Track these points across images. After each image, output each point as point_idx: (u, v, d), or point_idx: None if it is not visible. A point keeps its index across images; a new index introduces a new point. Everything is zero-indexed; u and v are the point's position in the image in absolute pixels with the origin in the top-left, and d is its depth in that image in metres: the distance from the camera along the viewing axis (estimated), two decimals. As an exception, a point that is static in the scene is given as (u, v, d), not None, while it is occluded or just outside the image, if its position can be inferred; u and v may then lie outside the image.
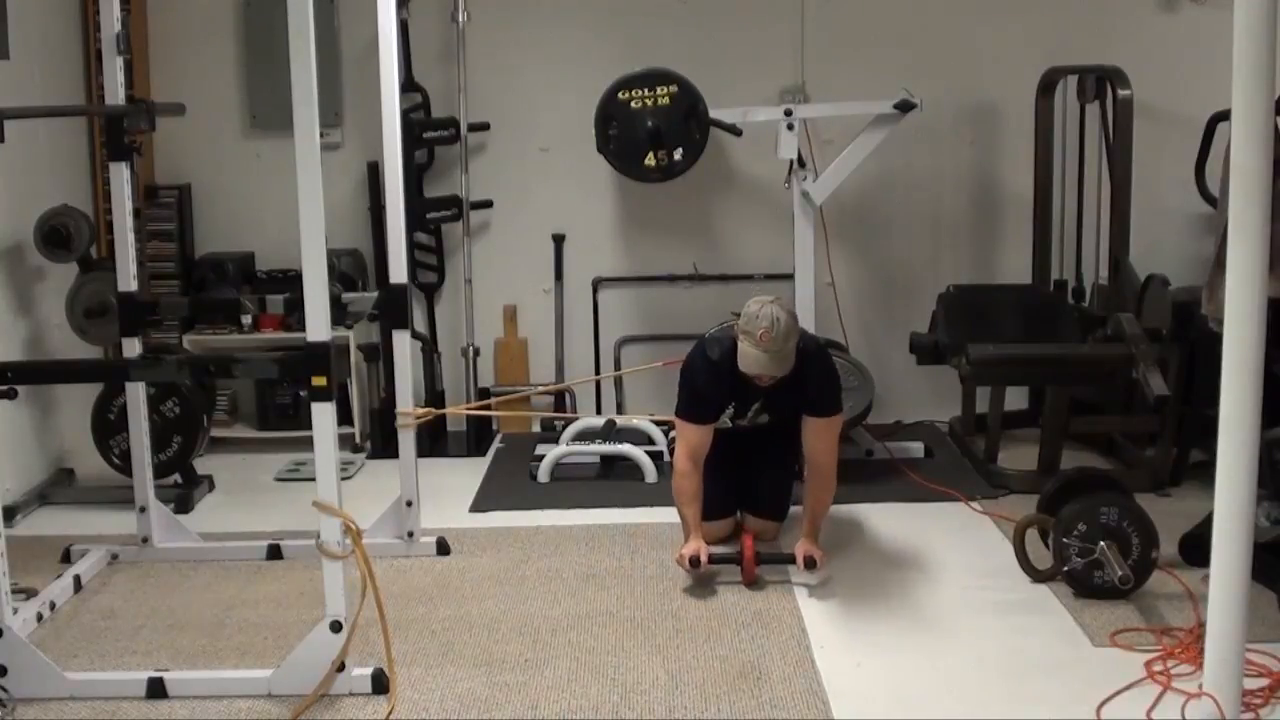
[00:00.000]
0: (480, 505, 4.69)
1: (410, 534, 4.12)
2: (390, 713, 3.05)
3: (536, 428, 5.66)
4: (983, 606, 3.66)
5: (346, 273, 5.42)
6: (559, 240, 5.66)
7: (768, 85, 5.45)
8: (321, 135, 2.98)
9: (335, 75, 5.46)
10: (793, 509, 4.25)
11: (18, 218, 4.65)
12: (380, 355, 5.46)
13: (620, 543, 4.22)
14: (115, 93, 3.88)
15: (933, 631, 3.51)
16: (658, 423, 5.23)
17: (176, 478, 4.74)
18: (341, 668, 3.11)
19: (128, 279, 3.96)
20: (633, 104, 4.72)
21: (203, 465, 4.99)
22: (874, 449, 5.08)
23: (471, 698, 3.12)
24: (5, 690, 3.07)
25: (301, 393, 5.19)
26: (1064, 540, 3.64)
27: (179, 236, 5.47)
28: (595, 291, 5.70)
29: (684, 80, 4.74)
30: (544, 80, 5.56)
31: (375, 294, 4.67)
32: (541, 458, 4.99)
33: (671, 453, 4.50)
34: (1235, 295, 2.48)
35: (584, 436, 5.17)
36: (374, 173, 5.42)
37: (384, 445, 5.26)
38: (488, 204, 5.60)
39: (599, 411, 5.65)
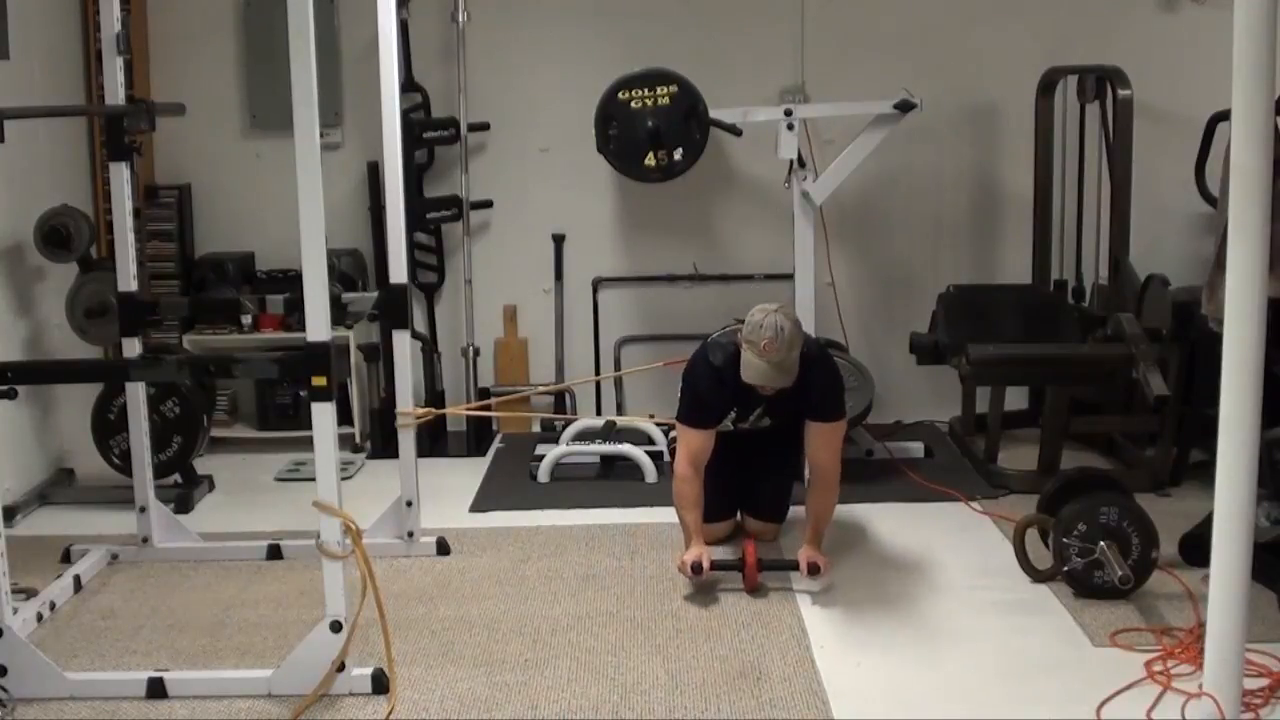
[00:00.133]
0: (480, 505, 4.69)
1: (410, 534, 4.12)
2: (390, 713, 3.05)
3: (536, 428, 5.66)
4: (983, 606, 3.66)
5: (346, 273, 5.42)
6: (559, 240, 5.66)
7: (768, 85, 5.45)
8: (321, 135, 2.98)
9: (335, 75, 5.46)
10: (792, 509, 4.26)
11: (18, 218, 4.65)
12: (380, 355, 5.46)
13: (620, 543, 4.22)
14: (115, 93, 3.88)
15: (933, 632, 3.51)
16: (658, 424, 5.23)
17: (176, 478, 4.74)
18: (341, 668, 3.11)
19: (128, 279, 3.96)
20: (633, 104, 4.71)
21: (203, 465, 4.99)
22: (874, 449, 5.08)
23: (471, 698, 3.12)
24: (5, 690, 3.07)
25: (301, 393, 5.19)
26: (1064, 540, 3.64)
27: (179, 236, 5.47)
28: (595, 291, 5.71)
29: (684, 80, 4.74)
30: (544, 80, 5.56)
31: (375, 294, 4.67)
32: (541, 458, 4.99)
33: (672, 453, 4.50)
34: (1235, 295, 2.48)
35: (584, 436, 5.17)
36: (374, 173, 5.42)
37: (384, 445, 5.26)
38: (488, 204, 5.60)
39: (599, 412, 5.66)
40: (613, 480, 4.93)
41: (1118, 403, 5.01)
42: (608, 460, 5.04)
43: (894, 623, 3.57)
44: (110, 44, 3.84)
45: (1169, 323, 4.55)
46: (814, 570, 3.73)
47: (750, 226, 5.58)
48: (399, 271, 4.08)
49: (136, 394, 4.01)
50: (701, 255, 5.62)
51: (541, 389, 5.67)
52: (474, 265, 5.56)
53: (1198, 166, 5.08)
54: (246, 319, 5.29)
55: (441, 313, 5.70)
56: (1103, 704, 3.00)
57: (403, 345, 4.13)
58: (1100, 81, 5.07)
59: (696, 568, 3.69)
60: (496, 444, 5.49)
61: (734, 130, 4.89)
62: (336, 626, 3.09)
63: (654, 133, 4.70)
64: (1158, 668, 3.17)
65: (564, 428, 5.27)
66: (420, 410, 4.28)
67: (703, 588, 3.76)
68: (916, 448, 5.16)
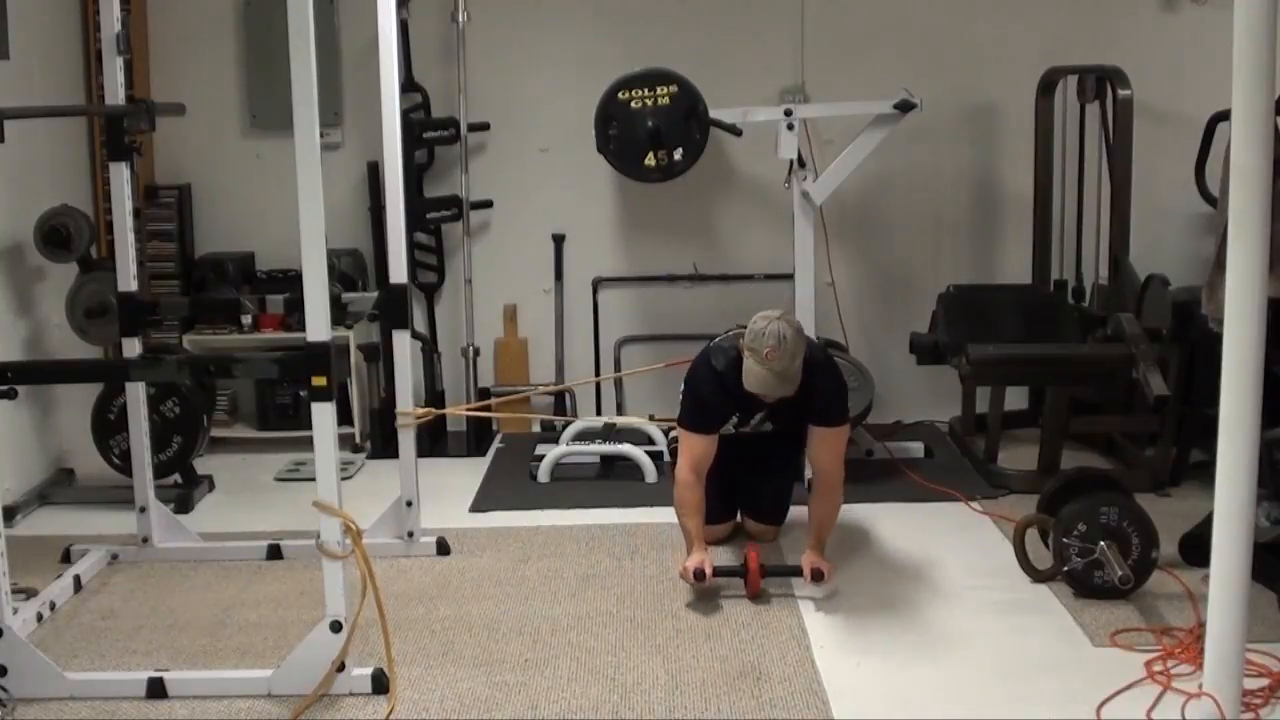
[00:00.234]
0: (480, 505, 4.69)
1: (410, 534, 4.12)
2: (390, 713, 3.05)
3: (536, 428, 5.66)
4: (983, 606, 3.66)
5: (346, 273, 5.42)
6: (559, 240, 5.66)
7: (768, 85, 5.45)
8: (321, 135, 2.98)
9: (335, 75, 5.46)
10: (793, 510, 4.25)
11: (18, 218, 4.65)
12: (380, 355, 5.45)
13: (620, 543, 4.22)
14: (115, 93, 3.88)
15: (933, 631, 3.51)
16: (657, 424, 5.23)
17: (176, 478, 4.74)
18: (341, 668, 3.11)
19: (128, 279, 3.96)
20: (633, 104, 4.71)
21: (203, 465, 4.99)
22: (874, 449, 5.08)
23: (471, 698, 3.12)
24: (5, 690, 3.07)
25: (301, 393, 5.19)
26: (1064, 540, 3.64)
27: (179, 236, 5.47)
28: (595, 291, 5.70)
29: (684, 80, 4.73)
30: (544, 80, 5.56)
31: (375, 294, 4.67)
32: (541, 458, 4.99)
33: (672, 453, 4.49)
34: (1235, 295, 2.48)
35: (584, 436, 5.17)
36: (374, 173, 5.42)
37: (384, 445, 5.26)
38: (488, 204, 5.60)
39: (599, 412, 5.66)
40: (613, 480, 4.93)
41: (1118, 403, 5.01)
42: (608, 460, 5.03)
43: (894, 623, 3.57)
44: (110, 44, 3.84)
45: (1169, 323, 4.55)
46: (818, 576, 3.70)
47: (750, 226, 5.58)
48: (399, 271, 4.08)
49: (136, 394, 4.01)
50: (701, 255, 5.62)
51: (542, 389, 5.67)
52: (474, 265, 5.56)
53: (1198, 166, 5.08)
54: (246, 319, 5.28)
55: (441, 313, 5.70)
56: (1103, 704, 3.00)
57: (403, 345, 4.13)
58: (1100, 81, 5.07)
59: (699, 574, 3.66)
60: (496, 444, 5.49)
61: (734, 130, 4.89)
62: (336, 626, 3.09)
63: (654, 133, 4.70)
64: (1158, 668, 3.17)
65: (564, 428, 5.27)
66: (420, 410, 4.28)
67: (704, 592, 3.75)
68: (916, 448, 5.16)
